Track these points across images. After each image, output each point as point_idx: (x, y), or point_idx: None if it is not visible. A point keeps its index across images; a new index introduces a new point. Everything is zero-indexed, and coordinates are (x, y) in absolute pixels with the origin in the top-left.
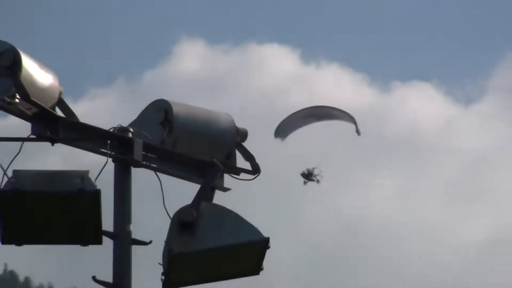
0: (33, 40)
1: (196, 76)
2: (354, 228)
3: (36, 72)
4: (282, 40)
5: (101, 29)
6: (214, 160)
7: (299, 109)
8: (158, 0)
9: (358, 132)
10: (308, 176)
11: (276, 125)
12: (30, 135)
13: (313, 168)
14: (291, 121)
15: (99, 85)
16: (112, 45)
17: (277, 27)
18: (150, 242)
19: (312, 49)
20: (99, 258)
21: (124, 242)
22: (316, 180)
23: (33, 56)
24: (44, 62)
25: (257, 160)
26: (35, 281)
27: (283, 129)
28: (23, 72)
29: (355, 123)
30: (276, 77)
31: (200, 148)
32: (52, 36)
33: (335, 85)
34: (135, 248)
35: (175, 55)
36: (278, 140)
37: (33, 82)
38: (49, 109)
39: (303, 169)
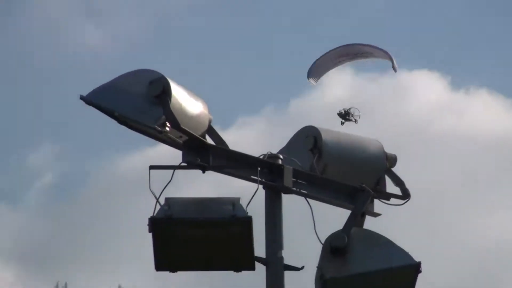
0: (183, 71)
1: (344, 103)
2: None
3: (186, 100)
4: (432, 66)
5: (250, 60)
6: (364, 185)
7: (332, 51)
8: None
9: (394, 68)
10: (345, 115)
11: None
12: (181, 163)
13: (350, 108)
14: (324, 62)
15: (247, 113)
16: (260, 75)
17: (426, 54)
18: (302, 267)
19: (461, 75)
20: (252, 284)
21: (276, 268)
22: (354, 120)
23: (183, 84)
24: (193, 90)
25: (407, 185)
26: None
27: (316, 71)
28: (173, 100)
29: (391, 59)
30: (425, 103)
31: (350, 174)
32: (201, 66)
33: (484, 110)
34: (287, 274)
35: (322, 83)
36: (311, 81)
37: (183, 110)
38: (200, 137)
39: (339, 109)
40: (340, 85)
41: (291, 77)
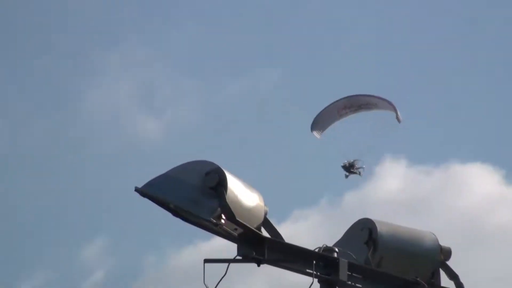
0: (239, 162)
1: (398, 195)
2: None
3: (242, 192)
4: (485, 159)
5: (304, 154)
6: (418, 279)
7: (335, 102)
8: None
9: (398, 119)
10: (349, 168)
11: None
12: (236, 256)
13: (354, 160)
14: (327, 114)
15: (302, 206)
16: (315, 169)
17: (480, 146)
18: None
19: None
20: None
21: None
22: (358, 173)
23: (238, 175)
24: (249, 181)
25: (461, 279)
26: None
27: (320, 124)
28: (229, 192)
29: (395, 109)
30: (479, 196)
31: (404, 267)
32: (257, 158)
33: None
34: None
35: (377, 175)
36: (315, 134)
37: (238, 202)
38: (255, 230)
39: (344, 161)
40: (394, 177)
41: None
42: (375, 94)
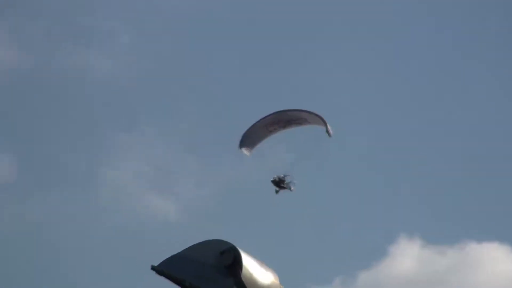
0: (254, 239)
1: (412, 275)
2: None
3: (257, 271)
4: (503, 239)
5: (319, 233)
6: None
7: (263, 118)
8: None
9: (328, 133)
10: (279, 183)
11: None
12: None
13: (284, 176)
14: (255, 131)
15: (317, 284)
16: (327, 249)
17: (497, 226)
18: None
19: None
20: None
21: None
22: (288, 188)
23: (253, 254)
24: (264, 260)
25: None
26: None
27: (248, 141)
28: (244, 271)
29: (325, 123)
30: (495, 276)
31: None
32: (272, 236)
33: None
34: None
35: (391, 255)
36: (244, 151)
37: (253, 281)
38: None
39: (274, 176)
40: (409, 257)
41: (358, 249)
42: (304, 109)
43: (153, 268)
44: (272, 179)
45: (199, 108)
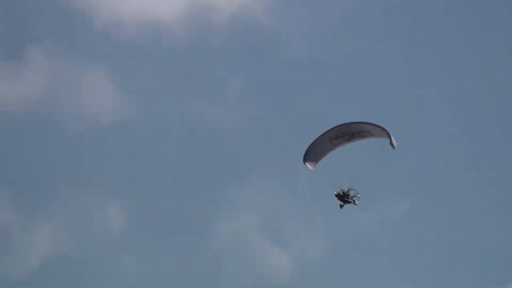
0: None
1: None
2: None
3: None
4: None
5: None
6: None
7: (326, 132)
8: None
9: (393, 145)
10: (343, 197)
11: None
12: None
13: (349, 189)
14: (319, 145)
15: None
16: None
17: None
18: None
19: None
20: None
21: None
22: (353, 202)
23: None
24: None
25: None
26: None
27: (312, 155)
28: None
29: (389, 136)
30: None
31: None
32: None
33: None
34: None
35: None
36: (308, 165)
37: None
38: None
39: (337, 190)
40: None
41: None
42: (368, 121)
43: None
44: (335, 192)
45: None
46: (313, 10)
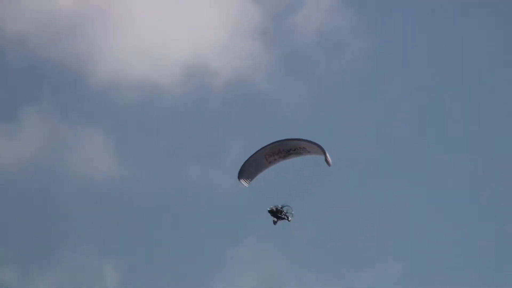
0: None
1: None
2: None
3: None
4: None
5: None
6: None
7: (262, 149)
8: None
9: (328, 162)
10: (276, 213)
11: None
12: None
13: (282, 206)
14: (255, 162)
15: None
16: None
17: None
18: None
19: None
20: None
21: None
22: (286, 218)
23: None
24: None
25: None
26: None
27: (247, 171)
28: None
29: (324, 152)
30: None
31: None
32: None
33: None
34: None
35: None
36: (242, 182)
37: None
38: None
39: (271, 206)
40: None
41: None
42: (303, 137)
43: None
44: (269, 209)
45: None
46: (310, 75)
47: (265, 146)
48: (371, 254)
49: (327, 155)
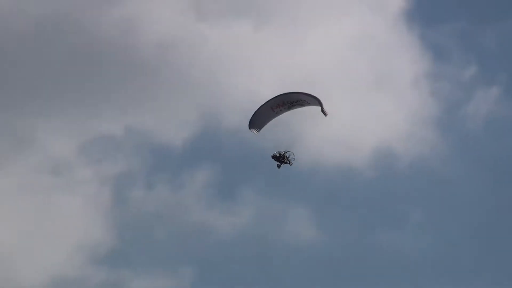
0: None
1: None
2: None
3: None
4: None
5: None
6: None
7: (269, 101)
8: None
9: (324, 112)
10: (279, 158)
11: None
12: None
13: (285, 152)
14: (263, 112)
15: None
16: None
17: None
18: None
19: None
20: None
21: None
22: (288, 162)
23: None
24: None
25: None
26: None
27: (257, 122)
28: None
29: (320, 103)
30: None
31: None
32: None
33: None
34: None
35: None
36: (253, 131)
37: None
38: None
39: (274, 152)
40: None
41: None
42: (301, 91)
43: None
44: (272, 154)
45: None
46: (480, 158)
47: (271, 99)
48: None
49: (323, 105)
